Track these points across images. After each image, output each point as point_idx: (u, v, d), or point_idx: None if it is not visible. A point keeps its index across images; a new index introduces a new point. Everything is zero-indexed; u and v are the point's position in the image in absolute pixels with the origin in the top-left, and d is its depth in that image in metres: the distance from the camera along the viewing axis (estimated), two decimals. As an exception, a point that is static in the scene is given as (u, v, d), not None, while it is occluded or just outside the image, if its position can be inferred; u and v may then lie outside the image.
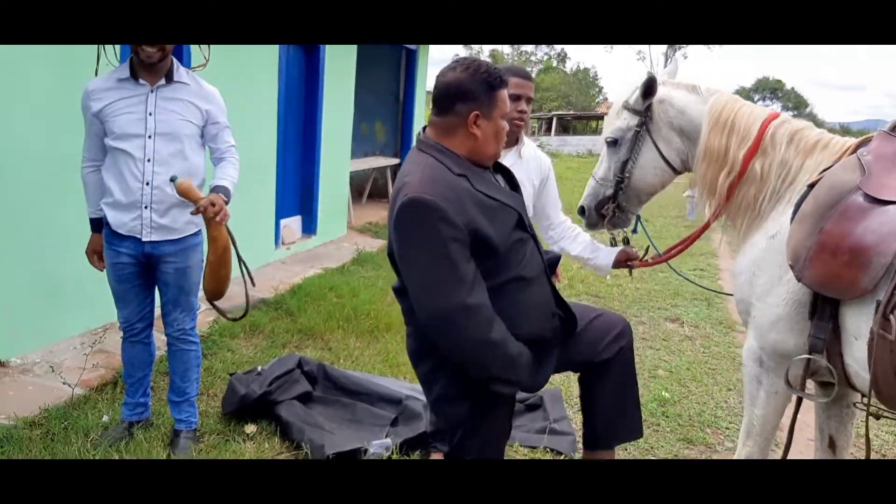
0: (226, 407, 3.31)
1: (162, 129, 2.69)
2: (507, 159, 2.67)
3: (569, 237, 2.89)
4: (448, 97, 1.79)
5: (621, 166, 2.50)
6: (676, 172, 2.53)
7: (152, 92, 2.70)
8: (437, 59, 13.78)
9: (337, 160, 7.91)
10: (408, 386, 3.67)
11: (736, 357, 4.74)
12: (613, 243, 2.80)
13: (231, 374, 3.54)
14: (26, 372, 3.63)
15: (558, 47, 54.51)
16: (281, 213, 6.70)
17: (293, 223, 7.17)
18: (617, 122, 2.51)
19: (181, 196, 2.65)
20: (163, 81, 2.72)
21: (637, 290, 6.52)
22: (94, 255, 2.94)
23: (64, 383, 3.39)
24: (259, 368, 3.55)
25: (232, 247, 2.77)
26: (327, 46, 7.14)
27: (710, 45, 47.86)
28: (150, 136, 2.68)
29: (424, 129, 1.94)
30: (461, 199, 1.72)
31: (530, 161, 2.83)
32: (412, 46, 10.05)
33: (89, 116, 2.72)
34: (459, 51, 52.09)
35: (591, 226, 2.68)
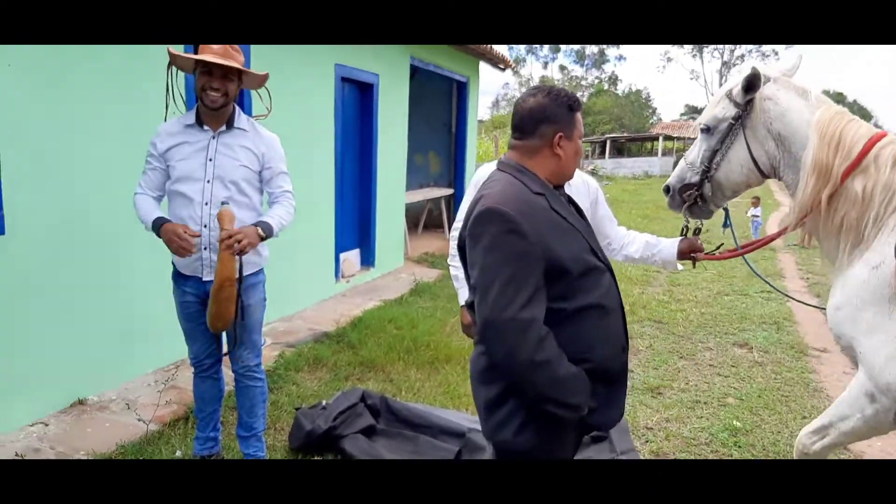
0: (293, 442, 3.36)
1: (220, 173, 2.80)
2: None
3: (628, 243, 2.82)
4: (532, 120, 1.85)
5: (710, 155, 2.43)
6: (763, 176, 2.43)
7: (214, 138, 2.82)
8: (485, 90, 13.90)
9: (392, 193, 8.04)
10: (470, 418, 3.65)
11: (810, 383, 4.54)
12: (684, 233, 2.71)
13: (297, 409, 3.60)
14: (103, 409, 3.77)
15: (608, 70, 54.27)
16: (340, 247, 6.83)
17: (352, 256, 7.30)
18: (716, 109, 2.42)
19: (218, 220, 2.71)
20: (224, 128, 2.84)
21: (702, 315, 6.34)
22: (175, 233, 2.67)
23: (139, 419, 3.51)
24: (324, 402, 3.60)
25: (236, 282, 2.73)
26: (381, 82, 7.31)
27: (764, 55, 46.70)
28: (208, 181, 2.79)
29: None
30: (537, 217, 1.75)
31: (579, 186, 2.80)
32: (462, 78, 10.18)
33: (153, 154, 2.83)
34: (509, 79, 52.42)
35: (672, 206, 2.62)
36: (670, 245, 2.69)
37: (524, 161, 1.87)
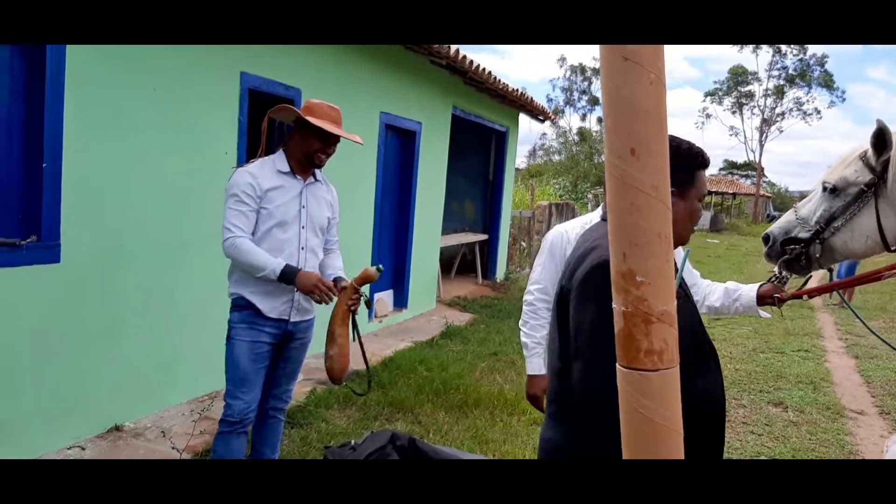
0: (320, 479, 3.39)
1: (311, 221, 2.98)
2: None
3: (709, 293, 2.70)
4: None
5: (829, 218, 2.22)
6: (888, 250, 2.20)
7: (305, 187, 2.98)
8: (523, 139, 14.08)
9: (428, 237, 8.17)
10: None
11: (845, 445, 4.43)
12: (771, 281, 2.54)
13: (326, 448, 3.64)
14: (138, 436, 3.87)
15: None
16: (375, 287, 6.94)
17: (386, 297, 7.40)
18: (845, 170, 2.21)
19: (365, 281, 2.98)
20: (311, 179, 3.02)
21: (736, 372, 6.24)
22: (322, 282, 2.85)
23: (172, 448, 3.60)
24: (353, 442, 3.63)
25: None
26: (423, 130, 7.51)
27: (806, 114, 46.32)
28: (303, 227, 2.95)
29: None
30: None
31: None
32: (502, 128, 10.37)
33: (250, 194, 2.80)
34: (547, 129, 52.89)
35: (769, 256, 2.43)
36: (750, 290, 2.57)
37: None
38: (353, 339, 3.05)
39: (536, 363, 2.66)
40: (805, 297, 2.50)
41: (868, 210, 2.16)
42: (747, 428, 4.70)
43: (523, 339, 2.72)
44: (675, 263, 2.45)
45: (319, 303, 2.87)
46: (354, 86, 5.99)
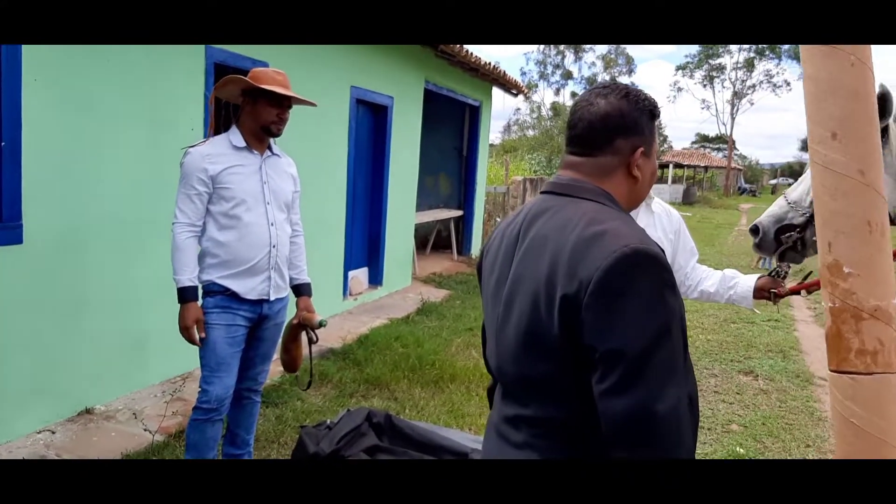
0: (296, 458, 3.39)
1: (276, 196, 2.89)
2: (641, 216, 2.51)
3: (704, 278, 2.60)
4: (605, 130, 1.34)
5: None
6: (892, 222, 2.05)
7: (263, 162, 2.88)
8: (496, 114, 14.04)
9: (403, 213, 8.12)
10: (472, 438, 3.66)
11: (815, 412, 4.53)
12: (771, 276, 2.41)
13: (301, 427, 3.62)
14: (110, 419, 3.81)
15: (621, 97, 54.40)
16: (349, 264, 6.90)
17: (360, 274, 7.35)
18: None
19: (307, 321, 3.05)
20: (268, 153, 2.92)
21: (708, 342, 6.34)
22: (197, 324, 2.75)
23: (145, 430, 3.55)
24: (328, 422, 3.62)
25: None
26: (395, 105, 7.42)
27: (776, 86, 46.85)
28: (268, 203, 2.86)
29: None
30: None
31: (662, 215, 2.60)
32: (475, 102, 10.30)
33: (202, 178, 2.71)
34: (520, 104, 52.79)
35: (760, 248, 2.29)
36: (747, 280, 2.47)
37: (600, 182, 1.35)
38: (314, 341, 3.17)
39: None
40: (804, 293, 2.38)
41: None
42: (718, 397, 4.78)
43: None
44: (662, 234, 2.25)
45: (185, 338, 2.81)
46: (324, 59, 5.88)
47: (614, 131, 1.34)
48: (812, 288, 2.31)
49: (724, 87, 51.34)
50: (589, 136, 1.36)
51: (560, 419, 1.26)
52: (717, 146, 55.54)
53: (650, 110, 1.38)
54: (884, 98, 1.96)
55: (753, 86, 48.48)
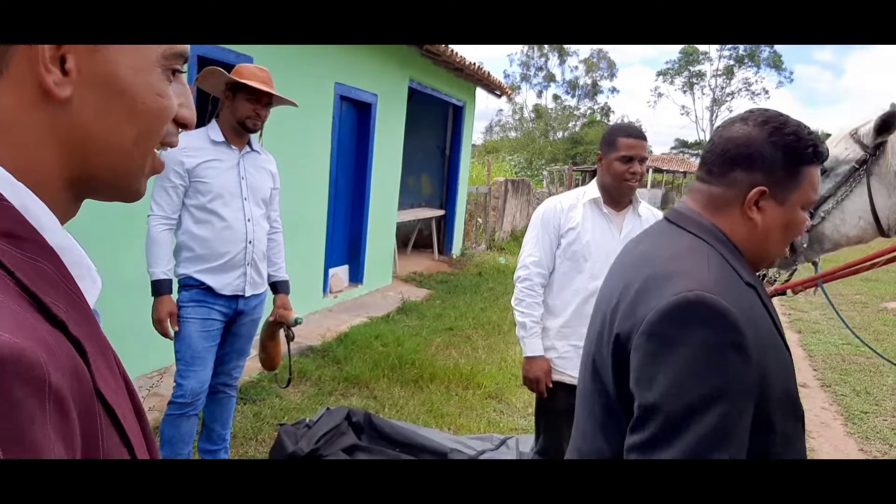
0: (274, 457, 3.36)
1: (253, 192, 2.86)
2: (627, 220, 2.54)
3: None
4: (725, 157, 1.18)
5: (819, 202, 2.07)
6: (882, 234, 2.05)
7: (242, 157, 2.85)
8: (480, 115, 14.06)
9: (384, 212, 8.09)
10: (452, 438, 3.67)
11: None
12: (763, 278, 2.38)
13: (280, 425, 3.60)
14: (84, 413, 3.75)
15: (601, 101, 55.02)
16: (329, 262, 6.86)
17: (341, 272, 7.32)
18: (834, 149, 2.07)
19: (283, 319, 3.03)
20: (247, 148, 2.89)
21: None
22: (171, 317, 2.74)
23: (120, 425, 3.49)
24: (308, 420, 3.60)
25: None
26: (378, 103, 7.40)
27: (754, 94, 47.55)
28: (245, 199, 2.83)
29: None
30: (759, 325, 1.08)
31: (649, 219, 2.57)
32: (459, 102, 10.30)
33: (178, 171, 2.70)
34: (503, 105, 52.93)
35: None
36: None
37: (713, 217, 1.19)
38: (292, 338, 3.20)
39: (536, 344, 2.50)
40: (790, 292, 2.37)
41: (860, 189, 2.04)
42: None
43: (519, 318, 2.54)
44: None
45: (158, 332, 2.79)
46: (309, 55, 5.84)
47: (734, 161, 1.17)
48: (797, 287, 2.29)
49: (703, 94, 51.92)
50: (711, 161, 1.21)
51: (608, 456, 1.16)
52: (695, 151, 56.10)
53: (793, 149, 1.14)
54: (891, 117, 1.98)
55: (732, 93, 49.23)
